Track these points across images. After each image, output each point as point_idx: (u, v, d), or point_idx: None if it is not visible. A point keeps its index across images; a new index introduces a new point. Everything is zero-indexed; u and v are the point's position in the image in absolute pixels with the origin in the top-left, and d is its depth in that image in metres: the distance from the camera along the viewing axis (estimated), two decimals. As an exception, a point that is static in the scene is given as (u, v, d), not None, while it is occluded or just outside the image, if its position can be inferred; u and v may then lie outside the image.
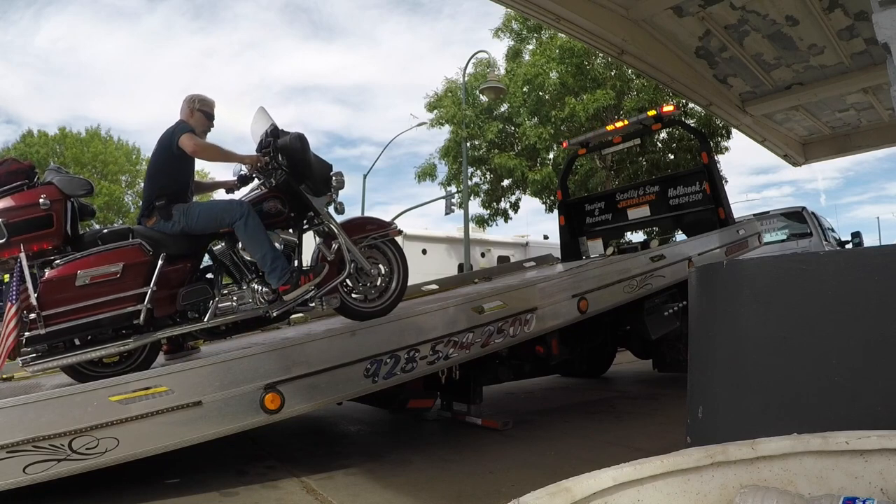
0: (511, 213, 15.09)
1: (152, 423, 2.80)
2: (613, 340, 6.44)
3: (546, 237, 16.50)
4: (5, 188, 2.89)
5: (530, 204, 36.40)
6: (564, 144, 7.56)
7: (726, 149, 13.23)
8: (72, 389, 2.81)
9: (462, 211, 14.96)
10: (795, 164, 8.97)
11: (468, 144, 14.23)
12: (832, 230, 9.94)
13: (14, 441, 2.53)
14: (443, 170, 15.34)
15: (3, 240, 2.80)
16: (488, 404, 4.80)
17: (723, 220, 5.76)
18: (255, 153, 3.47)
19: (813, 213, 9.26)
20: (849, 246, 9.81)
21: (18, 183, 2.91)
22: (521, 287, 4.36)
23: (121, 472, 3.11)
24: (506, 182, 14.79)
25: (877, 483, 1.10)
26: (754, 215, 9.71)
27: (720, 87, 6.76)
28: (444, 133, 15.12)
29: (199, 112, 3.43)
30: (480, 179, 15.24)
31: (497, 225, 15.28)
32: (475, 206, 15.20)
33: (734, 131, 10.90)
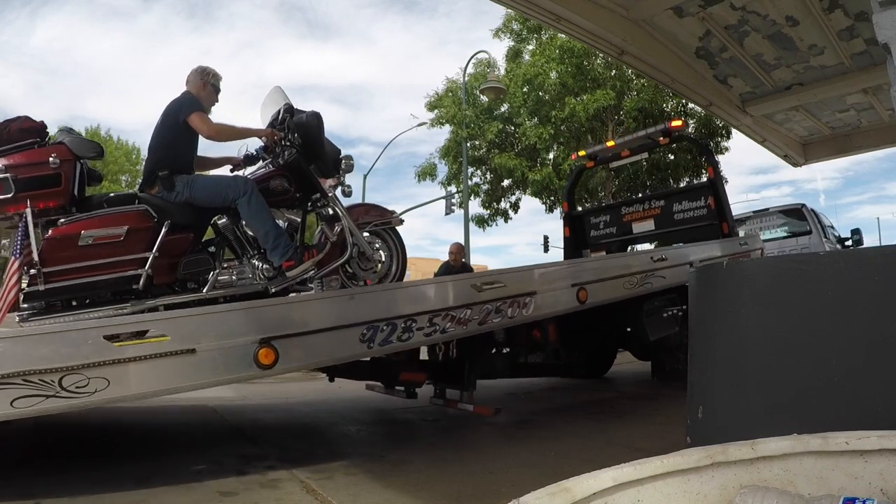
0: (511, 213, 15.18)
1: (145, 366, 2.77)
2: (614, 341, 6.45)
3: (546, 237, 16.48)
4: (16, 144, 2.89)
5: (530, 204, 36.45)
6: (574, 157, 7.64)
7: (726, 149, 13.28)
8: (67, 326, 2.79)
9: (462, 211, 15.01)
10: (795, 164, 8.97)
11: (468, 144, 14.25)
12: (832, 227, 9.91)
13: (4, 373, 2.50)
14: (443, 170, 15.41)
15: (10, 195, 2.80)
16: (488, 404, 4.79)
17: (726, 235, 5.85)
18: (269, 128, 3.47)
19: (812, 210, 9.24)
20: (849, 243, 9.79)
21: (30, 140, 2.92)
22: (521, 270, 4.37)
23: (123, 467, 3.11)
24: (506, 182, 14.82)
25: (877, 483, 1.10)
26: (753, 212, 9.72)
27: (720, 88, 6.77)
28: (443, 133, 15.19)
29: (211, 86, 3.43)
30: (480, 179, 15.30)
31: (497, 225, 15.34)
32: (475, 206, 15.27)
33: (734, 131, 10.90)
